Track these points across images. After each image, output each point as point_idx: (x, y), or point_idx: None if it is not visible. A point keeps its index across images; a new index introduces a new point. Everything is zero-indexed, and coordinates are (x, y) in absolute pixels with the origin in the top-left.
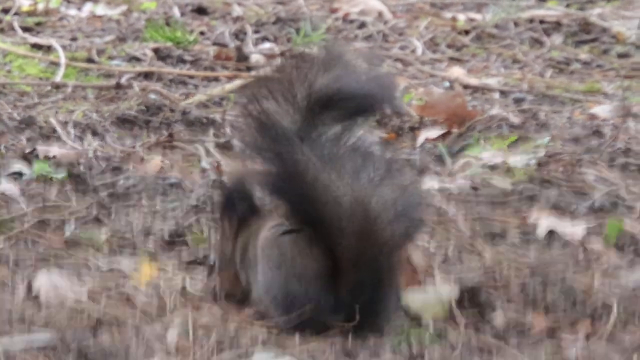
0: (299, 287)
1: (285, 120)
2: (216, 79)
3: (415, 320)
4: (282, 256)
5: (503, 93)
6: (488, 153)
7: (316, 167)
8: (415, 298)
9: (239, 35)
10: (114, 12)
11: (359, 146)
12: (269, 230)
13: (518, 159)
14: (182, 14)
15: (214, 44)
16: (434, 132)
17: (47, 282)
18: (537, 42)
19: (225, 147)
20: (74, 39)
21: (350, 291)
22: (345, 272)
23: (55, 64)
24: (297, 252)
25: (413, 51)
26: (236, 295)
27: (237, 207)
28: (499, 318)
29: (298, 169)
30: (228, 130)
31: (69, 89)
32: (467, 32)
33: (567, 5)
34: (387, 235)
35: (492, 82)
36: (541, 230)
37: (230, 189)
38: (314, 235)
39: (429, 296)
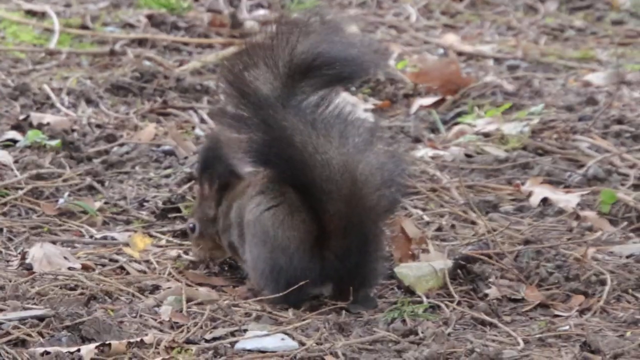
0: (285, 259)
1: (266, 87)
2: (210, 46)
3: (409, 294)
4: (265, 233)
5: (497, 60)
6: (482, 121)
7: (302, 132)
8: (409, 271)
9: (233, 1)
10: None
11: (342, 112)
12: (251, 208)
13: (512, 127)
14: None
15: (208, 10)
16: (428, 100)
17: (41, 253)
18: (531, 9)
19: (219, 114)
20: (68, 5)
21: (338, 257)
22: (333, 238)
23: (49, 31)
24: (279, 226)
25: (407, 18)
26: (217, 258)
27: (215, 168)
28: (492, 292)
29: (284, 134)
30: (222, 97)
31: (63, 56)
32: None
33: None
34: (374, 200)
35: (486, 49)
36: (535, 199)
37: (208, 150)
38: (300, 203)
39: (422, 269)
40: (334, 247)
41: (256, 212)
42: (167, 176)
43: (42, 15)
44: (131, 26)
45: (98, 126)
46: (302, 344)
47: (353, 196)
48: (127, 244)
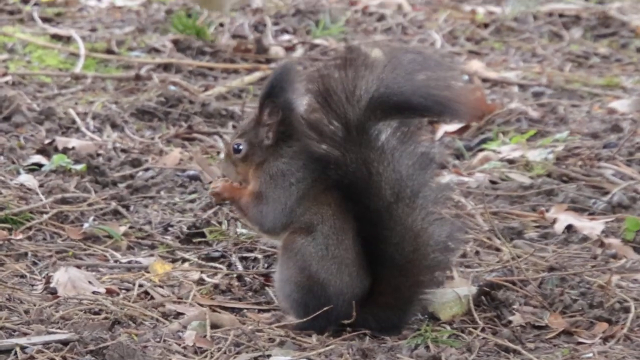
0: (320, 291)
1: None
2: (235, 71)
3: (433, 320)
4: (306, 263)
5: (522, 87)
6: (507, 147)
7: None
8: (433, 298)
9: (259, 27)
10: (134, 3)
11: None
12: (302, 237)
13: (537, 154)
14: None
15: (234, 35)
16: (452, 126)
17: (66, 278)
18: (556, 36)
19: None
20: (93, 30)
21: (377, 313)
22: (377, 295)
23: (75, 55)
24: (322, 261)
25: (432, 44)
26: (233, 200)
27: (279, 98)
28: (516, 319)
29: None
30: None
31: (89, 80)
32: (486, 26)
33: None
34: (428, 269)
35: (511, 75)
36: (559, 226)
37: (278, 78)
38: (354, 243)
39: (446, 296)
40: (378, 302)
41: (303, 242)
42: (192, 201)
43: (68, 40)
44: (156, 51)
45: (123, 151)
46: None
47: (410, 264)
48: (151, 269)
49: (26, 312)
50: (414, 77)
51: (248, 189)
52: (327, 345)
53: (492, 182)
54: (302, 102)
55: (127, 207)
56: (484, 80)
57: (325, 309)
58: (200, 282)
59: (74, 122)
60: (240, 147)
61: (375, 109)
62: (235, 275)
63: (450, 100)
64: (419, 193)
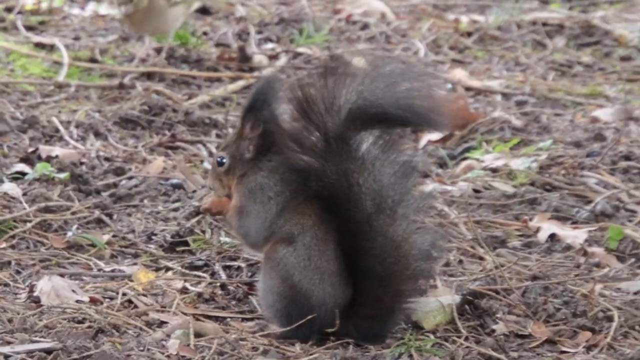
0: (303, 301)
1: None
2: (219, 80)
3: (417, 329)
4: (288, 273)
5: (505, 96)
6: (490, 156)
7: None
8: (417, 306)
9: (242, 35)
10: (117, 12)
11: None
12: (283, 247)
13: (520, 162)
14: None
15: (217, 44)
16: (435, 135)
17: (49, 286)
18: (539, 45)
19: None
20: (77, 38)
21: (359, 324)
22: (360, 306)
23: (59, 64)
24: (305, 271)
25: (415, 53)
26: (221, 215)
27: (263, 112)
28: (500, 328)
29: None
30: (230, 131)
31: (72, 89)
32: (469, 34)
33: (570, 8)
34: (410, 278)
35: (494, 84)
36: (542, 235)
37: (261, 91)
38: (336, 254)
39: (430, 305)
40: (359, 313)
41: (285, 253)
42: (176, 210)
43: (51, 48)
44: (140, 60)
45: (107, 159)
46: None
47: (391, 275)
48: (134, 278)
49: (10, 320)
50: (394, 88)
51: (232, 203)
52: (311, 354)
53: (476, 191)
54: (284, 114)
55: (110, 216)
56: (467, 89)
57: (308, 318)
58: (183, 290)
59: (57, 130)
60: (224, 161)
61: (355, 120)
62: (218, 284)
63: (430, 111)
64: (401, 203)
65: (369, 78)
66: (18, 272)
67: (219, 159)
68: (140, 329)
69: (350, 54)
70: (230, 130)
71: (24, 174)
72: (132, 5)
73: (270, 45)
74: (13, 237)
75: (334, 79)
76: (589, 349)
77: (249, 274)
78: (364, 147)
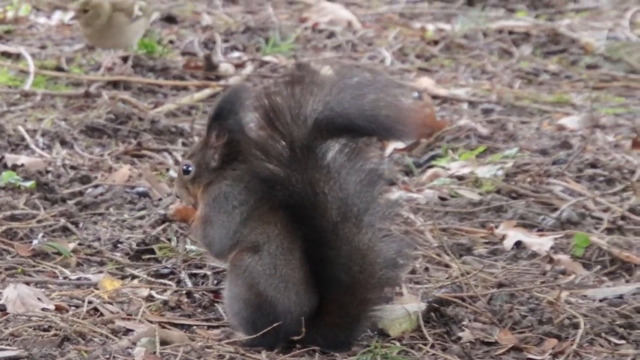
0: (268, 309)
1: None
2: (185, 88)
3: (382, 336)
4: (254, 281)
5: (472, 103)
6: (456, 164)
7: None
8: (383, 314)
9: (208, 44)
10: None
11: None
12: (248, 256)
13: (486, 170)
14: (151, 23)
15: (183, 52)
16: (402, 143)
17: (15, 294)
18: (506, 53)
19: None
20: (43, 47)
21: (325, 332)
22: (326, 314)
23: (25, 72)
24: (270, 279)
25: (382, 61)
26: (187, 222)
27: (228, 121)
28: (466, 335)
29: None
30: (196, 139)
31: (38, 98)
32: (436, 43)
33: (536, 16)
34: (375, 286)
35: (460, 92)
36: (508, 242)
37: (226, 100)
38: (301, 262)
39: (396, 312)
40: (325, 321)
41: (251, 261)
42: (142, 218)
43: (17, 57)
44: (107, 68)
45: (72, 167)
46: None
47: (357, 284)
48: (100, 286)
49: None
50: (361, 99)
51: (197, 212)
52: None
53: (442, 199)
54: (250, 123)
55: (76, 224)
56: (434, 97)
57: (274, 325)
58: (149, 298)
59: (23, 139)
60: (190, 169)
61: (321, 130)
62: (184, 292)
63: (396, 122)
64: (367, 211)
65: (336, 88)
66: None
67: (184, 167)
68: (106, 336)
69: (316, 63)
70: (196, 139)
71: None
72: (90, 27)
73: (236, 54)
74: None
75: (300, 88)
76: (555, 356)
77: (215, 281)
78: (330, 155)
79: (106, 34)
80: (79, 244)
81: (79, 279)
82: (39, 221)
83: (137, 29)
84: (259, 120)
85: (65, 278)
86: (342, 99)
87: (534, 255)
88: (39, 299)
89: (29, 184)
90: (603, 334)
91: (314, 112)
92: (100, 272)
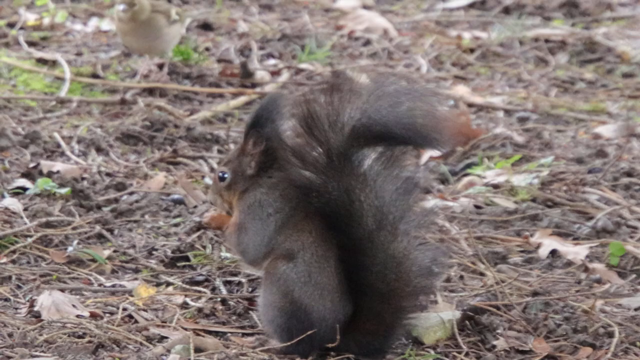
0: (304, 316)
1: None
2: (221, 95)
3: (417, 344)
4: (289, 289)
5: (507, 112)
6: (491, 172)
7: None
8: (417, 322)
9: (244, 51)
10: (115, 28)
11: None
12: (283, 264)
13: (521, 179)
14: (188, 30)
15: (219, 60)
16: (438, 151)
17: (50, 301)
18: (542, 61)
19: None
20: (79, 54)
21: (360, 339)
22: (362, 321)
23: (60, 79)
24: (306, 286)
25: (418, 69)
26: (221, 230)
27: (265, 129)
28: (500, 344)
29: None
30: (231, 146)
31: (74, 104)
32: (472, 51)
33: (573, 25)
34: (411, 295)
35: (496, 100)
36: (544, 251)
37: (264, 108)
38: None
39: (430, 320)
40: (360, 329)
41: (285, 269)
42: (176, 225)
43: (53, 64)
44: (143, 75)
45: (108, 174)
46: None
47: (392, 292)
48: (135, 293)
49: (10, 335)
50: (397, 108)
51: (232, 219)
52: None
53: (477, 207)
54: (287, 131)
55: (111, 231)
56: (470, 105)
57: (308, 333)
58: (184, 305)
59: (58, 145)
60: (225, 176)
61: (358, 138)
62: (219, 299)
63: (433, 131)
64: (402, 219)
65: (373, 96)
66: (19, 287)
67: (220, 174)
68: (141, 344)
69: (352, 71)
70: (232, 146)
71: (25, 189)
72: (134, 22)
73: (272, 61)
74: (14, 252)
75: (338, 95)
76: None
77: (250, 289)
78: (366, 163)
79: (145, 33)
80: (114, 251)
81: (113, 285)
82: (74, 228)
83: (174, 33)
84: (296, 127)
85: (100, 285)
86: (379, 107)
87: (569, 263)
88: (73, 305)
89: (64, 190)
90: (638, 343)
91: (352, 120)
92: (135, 279)
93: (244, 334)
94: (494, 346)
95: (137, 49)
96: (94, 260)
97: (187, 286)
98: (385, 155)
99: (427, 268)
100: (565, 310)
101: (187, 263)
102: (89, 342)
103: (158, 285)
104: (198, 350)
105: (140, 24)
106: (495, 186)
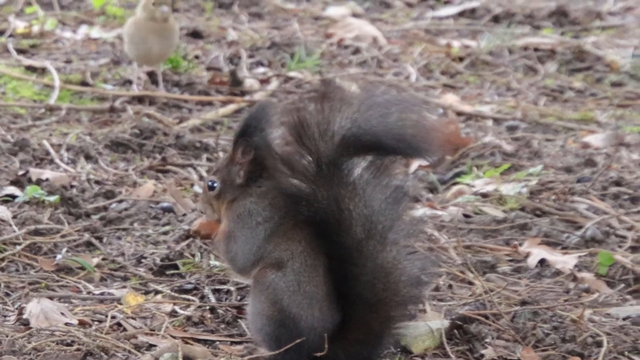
0: (292, 325)
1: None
2: (210, 103)
3: (405, 353)
4: (277, 297)
5: (496, 121)
6: (480, 181)
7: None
8: (406, 331)
9: (234, 59)
10: (109, 35)
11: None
12: (272, 272)
13: (510, 188)
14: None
15: (209, 68)
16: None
17: (38, 309)
18: (531, 70)
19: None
20: (68, 62)
21: (347, 349)
22: (349, 331)
23: (50, 87)
24: (295, 295)
25: (407, 77)
26: (210, 238)
27: (253, 137)
28: (489, 353)
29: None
30: (221, 155)
31: (63, 112)
32: (461, 59)
33: (562, 34)
34: (400, 304)
35: (485, 109)
36: (532, 260)
37: (253, 117)
38: (326, 278)
39: (419, 329)
40: (348, 338)
41: (274, 277)
42: (166, 233)
43: (43, 71)
44: (131, 83)
45: (97, 182)
46: None
47: (380, 302)
48: (124, 301)
49: None
50: (388, 118)
51: (221, 227)
52: None
53: (466, 216)
54: (276, 140)
55: (100, 239)
56: (459, 113)
57: (297, 341)
58: (172, 314)
59: (48, 153)
60: (215, 185)
61: (348, 147)
62: (208, 308)
63: (423, 142)
64: (392, 228)
65: (364, 106)
66: (7, 295)
67: (210, 183)
68: (129, 352)
69: (341, 79)
70: (221, 154)
71: (14, 196)
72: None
73: (261, 70)
74: (2, 259)
75: (329, 104)
76: None
77: (239, 297)
78: (356, 172)
79: (170, 36)
80: (103, 259)
81: (102, 293)
82: (62, 236)
83: (177, 38)
84: (285, 136)
85: (88, 293)
86: (369, 116)
87: (558, 273)
88: (62, 313)
89: (53, 198)
90: (626, 353)
91: (342, 129)
92: (124, 287)
93: (232, 343)
94: (482, 355)
95: (151, 53)
96: (82, 268)
97: (176, 294)
98: (374, 164)
99: (415, 277)
100: (553, 320)
101: (176, 271)
102: (78, 350)
103: (147, 293)
104: (186, 358)
105: (168, 26)
106: (484, 195)
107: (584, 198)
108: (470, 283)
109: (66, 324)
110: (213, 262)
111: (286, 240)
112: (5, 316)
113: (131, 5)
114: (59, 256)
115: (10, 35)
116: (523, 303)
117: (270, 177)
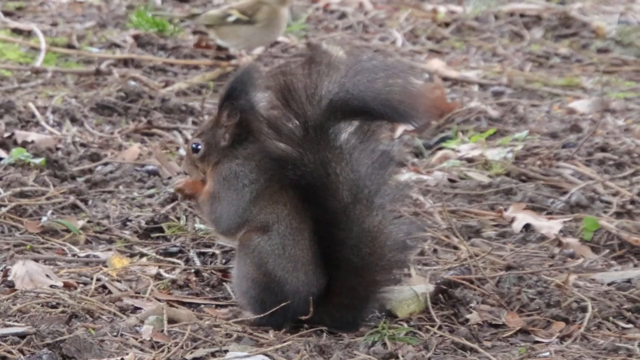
0: (277, 288)
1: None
2: (196, 67)
3: (390, 317)
4: (262, 260)
5: (482, 86)
6: (466, 146)
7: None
8: (391, 295)
9: None
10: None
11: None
12: (257, 236)
13: (496, 153)
14: (163, 1)
15: (194, 32)
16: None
17: (23, 271)
18: (517, 36)
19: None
20: (54, 25)
21: (333, 312)
22: (334, 295)
23: (36, 49)
24: (280, 258)
25: (393, 42)
26: (193, 198)
27: (239, 101)
28: (473, 317)
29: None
30: (206, 118)
31: (49, 75)
32: (447, 25)
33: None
34: (385, 267)
35: (471, 75)
36: (517, 225)
37: (238, 80)
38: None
39: (404, 293)
40: (333, 302)
41: (260, 241)
42: (151, 196)
43: (29, 34)
44: (117, 46)
45: (82, 145)
46: None
47: (366, 266)
48: (109, 263)
49: None
50: (375, 83)
51: (205, 187)
52: (284, 342)
53: (451, 181)
54: (262, 103)
55: (85, 202)
56: (445, 79)
57: (282, 305)
58: (158, 277)
59: (33, 116)
60: (199, 147)
61: (335, 111)
62: (193, 271)
63: (410, 108)
64: (378, 193)
65: (352, 71)
66: None
67: (194, 146)
68: (114, 314)
69: (327, 44)
70: (207, 118)
71: None
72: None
73: None
74: None
75: (316, 68)
76: (562, 339)
77: (224, 260)
78: (343, 137)
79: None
80: (88, 222)
81: (87, 256)
82: (48, 198)
83: None
84: (272, 99)
85: (74, 255)
86: (357, 81)
87: (543, 238)
88: (47, 275)
89: (38, 161)
90: (611, 318)
91: (329, 93)
92: (109, 250)
93: (217, 306)
94: (467, 320)
95: (268, 37)
96: (67, 231)
97: (161, 257)
98: (361, 129)
99: (401, 242)
100: (538, 285)
101: (161, 234)
102: (63, 312)
103: (132, 256)
104: (171, 321)
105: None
106: (470, 160)
107: (569, 163)
108: (456, 248)
109: (51, 286)
110: (198, 226)
111: (272, 204)
112: None
113: None
114: (44, 218)
115: None
116: (508, 268)
117: (256, 140)
